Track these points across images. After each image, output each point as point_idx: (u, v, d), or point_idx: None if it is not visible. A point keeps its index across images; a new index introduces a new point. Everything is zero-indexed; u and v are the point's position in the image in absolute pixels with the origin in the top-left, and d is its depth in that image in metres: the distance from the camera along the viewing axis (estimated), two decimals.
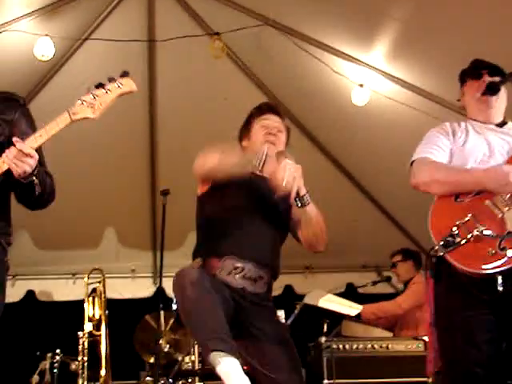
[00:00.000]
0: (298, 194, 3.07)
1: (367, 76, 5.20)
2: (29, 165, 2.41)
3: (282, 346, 3.01)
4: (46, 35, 4.91)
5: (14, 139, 2.41)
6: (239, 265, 3.04)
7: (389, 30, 4.73)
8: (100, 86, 2.53)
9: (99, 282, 5.20)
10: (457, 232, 2.63)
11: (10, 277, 6.94)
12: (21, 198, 2.61)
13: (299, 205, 3.11)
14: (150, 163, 6.40)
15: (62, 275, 7.07)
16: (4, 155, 2.41)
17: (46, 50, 4.90)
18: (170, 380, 4.96)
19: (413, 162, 2.96)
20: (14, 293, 6.96)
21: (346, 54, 5.14)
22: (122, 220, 6.68)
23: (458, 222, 2.65)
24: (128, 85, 2.57)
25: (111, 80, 2.55)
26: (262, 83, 5.78)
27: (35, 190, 2.50)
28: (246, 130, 3.44)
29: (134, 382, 5.21)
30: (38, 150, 2.58)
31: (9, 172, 2.45)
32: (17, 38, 4.98)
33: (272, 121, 3.38)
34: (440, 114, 4.54)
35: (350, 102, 5.29)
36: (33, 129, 2.59)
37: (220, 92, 5.78)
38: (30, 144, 2.41)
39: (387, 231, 6.76)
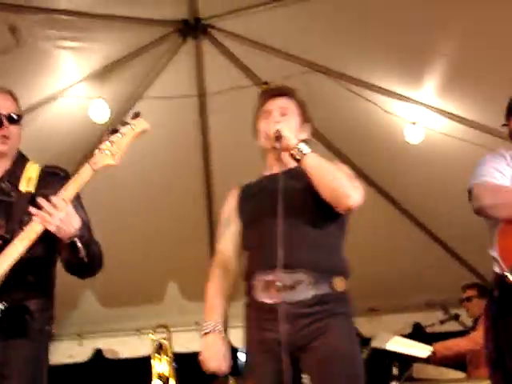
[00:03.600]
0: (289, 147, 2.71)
1: (419, 113, 5.16)
2: (61, 221, 2.33)
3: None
4: (99, 97, 5.04)
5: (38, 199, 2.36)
6: (269, 277, 2.63)
7: (438, 67, 4.69)
8: (114, 131, 2.55)
9: (165, 339, 5.18)
10: None
11: (77, 336, 7.01)
12: (66, 263, 2.55)
13: (295, 158, 2.70)
14: (207, 216, 6.44)
15: (126, 332, 7.09)
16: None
17: (100, 112, 5.02)
18: None
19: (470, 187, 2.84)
20: (82, 352, 7.03)
21: (397, 93, 5.12)
22: (183, 274, 6.70)
23: None
24: (140, 125, 2.57)
25: (124, 124, 2.56)
26: (314, 128, 5.77)
27: (79, 253, 2.43)
28: (255, 130, 3.04)
29: None
30: (83, 217, 2.54)
31: (50, 241, 2.42)
32: (72, 102, 5.13)
33: (270, 105, 2.97)
34: (498, 147, 4.46)
35: (403, 140, 5.26)
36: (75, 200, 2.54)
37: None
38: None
39: (451, 268, 6.59)
